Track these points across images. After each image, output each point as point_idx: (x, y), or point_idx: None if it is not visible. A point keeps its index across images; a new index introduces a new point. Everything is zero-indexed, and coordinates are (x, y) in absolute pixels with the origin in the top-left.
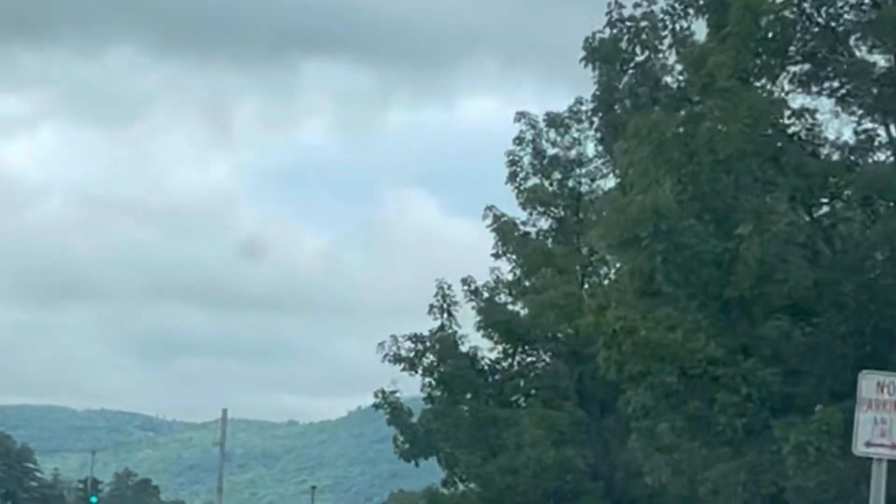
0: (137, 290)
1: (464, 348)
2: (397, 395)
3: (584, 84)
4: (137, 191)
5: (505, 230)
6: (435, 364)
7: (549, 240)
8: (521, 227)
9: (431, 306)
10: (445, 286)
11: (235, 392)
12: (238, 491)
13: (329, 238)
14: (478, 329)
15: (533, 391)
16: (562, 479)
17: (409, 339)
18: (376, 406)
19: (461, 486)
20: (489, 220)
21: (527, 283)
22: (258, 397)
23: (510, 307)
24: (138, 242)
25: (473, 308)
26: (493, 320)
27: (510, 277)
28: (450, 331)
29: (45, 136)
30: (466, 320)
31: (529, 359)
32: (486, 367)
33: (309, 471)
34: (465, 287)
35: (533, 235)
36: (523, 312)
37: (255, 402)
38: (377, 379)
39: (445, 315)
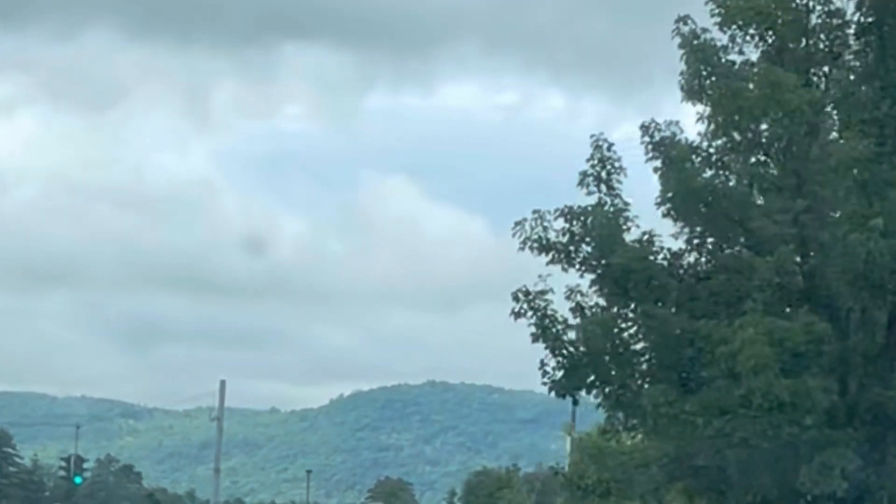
0: (117, 277)
1: (632, 235)
2: (547, 296)
3: (565, 71)
4: (117, 176)
5: (705, 52)
6: (597, 256)
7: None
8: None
9: (584, 175)
10: (605, 145)
11: (216, 380)
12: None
13: (310, 224)
14: (660, 205)
15: (751, 293)
16: (797, 424)
17: (562, 214)
18: (516, 314)
19: (630, 436)
20: (677, 41)
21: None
22: (239, 385)
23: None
24: (118, 228)
25: (657, 171)
26: (686, 189)
27: (703, 129)
28: (609, 209)
29: (23, 121)
30: (638, 194)
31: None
32: (669, 261)
33: (290, 459)
34: (647, 138)
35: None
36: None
37: (237, 390)
38: (359, 367)
39: (604, 187)
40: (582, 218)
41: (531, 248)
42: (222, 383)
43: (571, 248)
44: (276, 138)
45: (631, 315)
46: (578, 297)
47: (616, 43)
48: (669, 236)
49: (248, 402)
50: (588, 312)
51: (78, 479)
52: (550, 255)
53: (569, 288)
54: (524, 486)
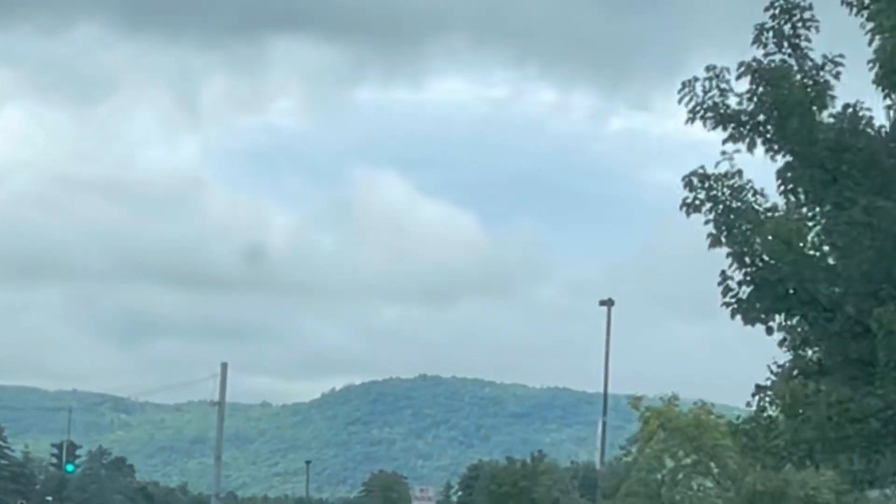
0: (108, 271)
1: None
2: (733, 181)
3: (554, 65)
4: (107, 170)
5: None
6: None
7: None
8: None
9: (761, 29)
10: None
11: (208, 373)
12: (210, 473)
13: (301, 219)
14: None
15: None
16: None
17: (749, 71)
18: (688, 206)
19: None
20: None
21: None
22: (231, 379)
23: None
24: (109, 223)
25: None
26: None
27: None
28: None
29: (12, 115)
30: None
31: None
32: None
33: (282, 453)
34: None
35: None
36: None
37: (228, 384)
38: (350, 361)
39: (787, 46)
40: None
41: (703, 118)
42: (223, 366)
43: (761, 117)
44: (266, 132)
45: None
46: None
47: (606, 35)
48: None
49: (240, 396)
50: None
51: (70, 467)
52: (729, 130)
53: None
54: (565, 473)
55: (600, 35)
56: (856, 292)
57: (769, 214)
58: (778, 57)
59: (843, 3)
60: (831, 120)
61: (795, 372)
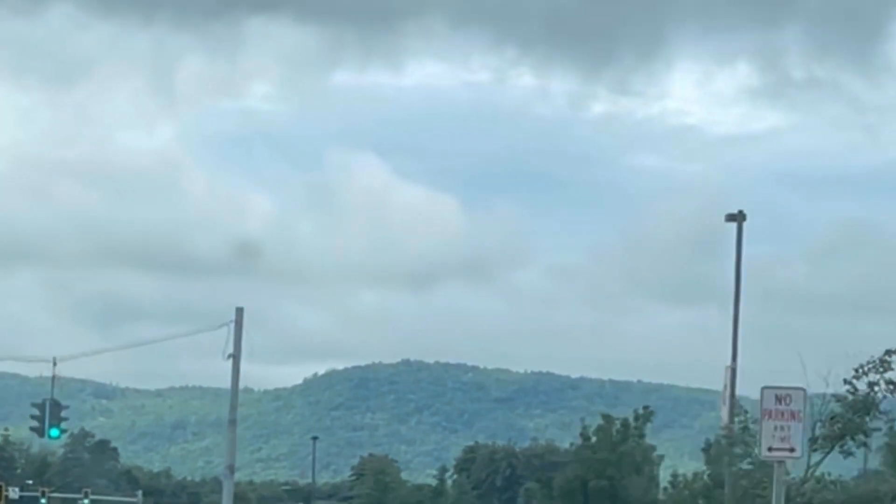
0: (85, 256)
1: None
2: None
3: (530, 44)
4: (82, 153)
5: None
6: None
7: None
8: None
9: None
10: None
11: (188, 359)
12: (192, 459)
13: (279, 202)
14: None
15: None
16: None
17: None
18: None
19: None
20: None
21: None
22: (212, 364)
23: None
24: (85, 206)
25: None
26: None
27: None
28: None
29: None
30: None
31: None
32: None
33: (264, 438)
34: None
35: None
36: None
37: (209, 370)
38: (332, 346)
39: None
40: None
41: None
42: (239, 312)
43: None
44: (242, 115)
45: None
46: None
47: (586, 18)
48: None
49: (221, 381)
50: None
51: (55, 433)
52: None
53: None
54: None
55: (580, 16)
56: None
57: None
58: None
59: None
60: None
61: None
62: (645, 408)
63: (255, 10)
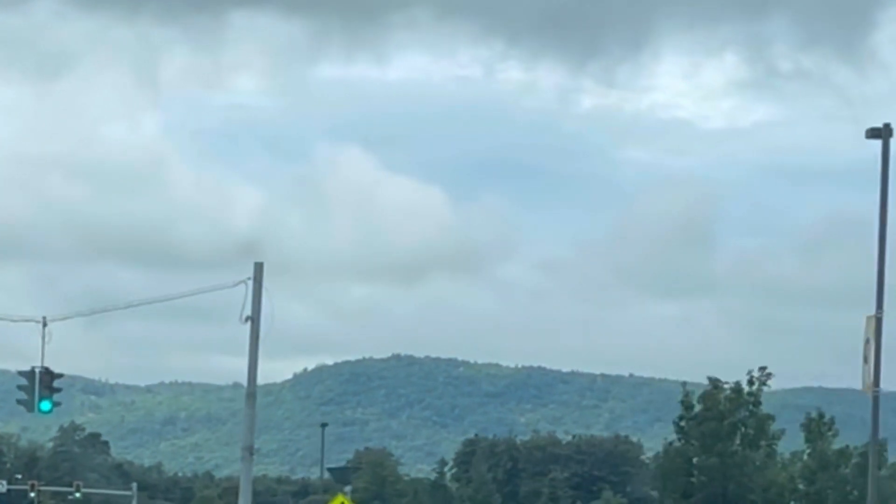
0: (72, 250)
1: None
2: None
3: (517, 36)
4: (67, 147)
5: None
6: None
7: None
8: None
9: None
10: None
11: (178, 354)
12: (183, 455)
13: (265, 196)
14: None
15: None
16: None
17: None
18: None
19: None
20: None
21: None
22: (201, 360)
23: None
24: (70, 200)
25: None
26: None
27: None
28: None
29: None
30: None
31: None
32: None
33: (255, 434)
34: None
35: None
36: None
37: (198, 365)
38: (322, 341)
39: None
40: None
41: None
42: (258, 268)
43: None
44: (227, 107)
45: None
46: None
47: (573, 9)
48: None
49: (210, 376)
50: None
51: (46, 405)
52: None
53: None
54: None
55: (568, 8)
56: None
57: None
58: None
59: None
60: None
61: None
62: (762, 369)
63: (239, 2)
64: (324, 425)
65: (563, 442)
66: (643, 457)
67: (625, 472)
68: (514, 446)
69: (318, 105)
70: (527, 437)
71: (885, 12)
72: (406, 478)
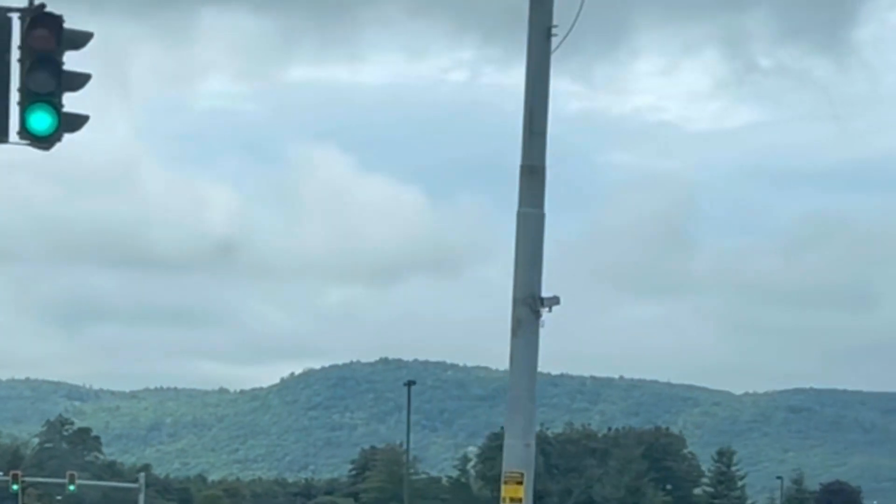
0: (50, 255)
1: None
2: None
3: (493, 35)
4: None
5: None
6: None
7: None
8: None
9: None
10: None
11: (162, 360)
12: (168, 461)
13: (241, 197)
14: None
15: None
16: None
17: None
18: None
19: None
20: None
21: None
22: (186, 365)
23: None
24: (43, 204)
25: None
26: None
27: None
28: None
29: None
30: None
31: None
32: None
33: (241, 439)
34: None
35: None
36: None
37: (184, 371)
38: (309, 345)
39: None
40: None
41: None
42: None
43: None
44: (197, 107)
45: None
46: None
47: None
48: None
49: (196, 382)
50: None
51: (42, 119)
52: None
53: None
54: None
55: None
56: None
57: None
58: None
59: None
60: None
61: None
62: None
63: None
64: (411, 383)
65: (599, 434)
66: (685, 451)
67: (667, 468)
68: (545, 440)
69: (291, 103)
70: (564, 429)
71: (865, 5)
72: (424, 475)
